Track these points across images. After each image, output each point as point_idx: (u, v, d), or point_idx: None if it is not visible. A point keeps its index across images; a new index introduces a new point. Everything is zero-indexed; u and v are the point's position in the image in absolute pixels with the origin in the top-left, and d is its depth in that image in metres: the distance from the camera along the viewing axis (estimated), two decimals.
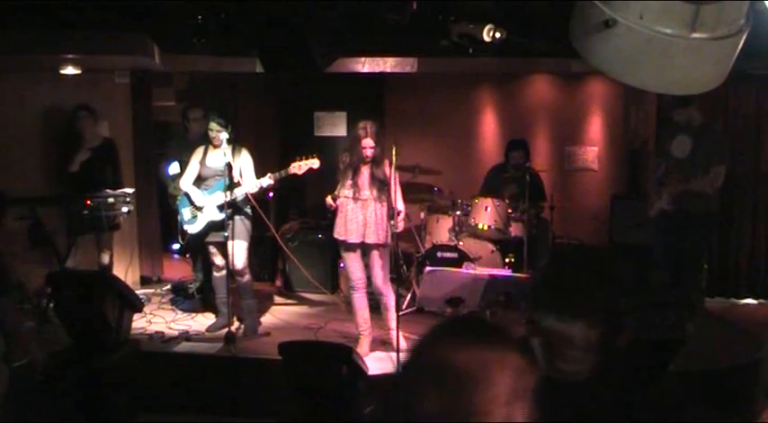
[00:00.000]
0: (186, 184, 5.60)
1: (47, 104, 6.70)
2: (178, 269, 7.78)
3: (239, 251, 5.47)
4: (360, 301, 5.29)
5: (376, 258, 5.17)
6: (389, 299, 5.19)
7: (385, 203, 5.14)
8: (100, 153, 6.29)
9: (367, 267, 5.29)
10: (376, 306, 5.43)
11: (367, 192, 5.14)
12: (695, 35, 1.81)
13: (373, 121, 5.21)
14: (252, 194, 5.35)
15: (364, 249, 5.23)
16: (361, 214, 5.13)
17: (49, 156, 6.62)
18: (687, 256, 5.69)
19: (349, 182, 5.17)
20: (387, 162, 5.16)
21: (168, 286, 7.14)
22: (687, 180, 5.47)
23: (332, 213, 5.34)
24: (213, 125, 5.39)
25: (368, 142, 5.09)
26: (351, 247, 5.23)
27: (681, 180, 5.51)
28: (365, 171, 5.15)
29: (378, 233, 5.12)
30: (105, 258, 6.31)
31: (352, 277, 5.30)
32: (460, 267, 5.83)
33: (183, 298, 6.68)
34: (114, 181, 6.27)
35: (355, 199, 5.15)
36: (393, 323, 5.03)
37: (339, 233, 5.24)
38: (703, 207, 5.53)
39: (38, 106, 6.71)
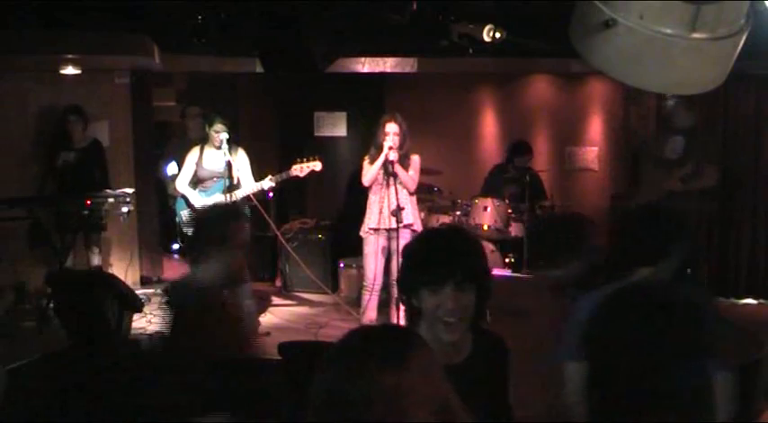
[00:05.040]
0: (182, 185, 5.57)
1: (46, 104, 6.69)
2: (178, 269, 7.77)
3: None
4: (371, 302, 5.28)
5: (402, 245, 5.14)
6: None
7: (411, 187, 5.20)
8: (87, 155, 6.29)
9: (390, 255, 5.26)
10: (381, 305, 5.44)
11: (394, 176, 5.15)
12: (695, 35, 1.81)
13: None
14: (252, 194, 5.35)
15: (392, 238, 5.19)
16: (394, 199, 5.11)
17: (39, 156, 6.60)
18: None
19: (380, 171, 5.17)
20: (413, 159, 5.19)
21: None
22: (670, 179, 5.37)
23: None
24: (219, 125, 5.36)
25: (392, 127, 5.08)
26: (377, 241, 5.21)
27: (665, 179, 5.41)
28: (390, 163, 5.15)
29: (407, 216, 5.13)
30: (95, 259, 6.31)
31: (368, 276, 5.27)
32: None
33: None
34: (102, 182, 6.26)
35: (388, 185, 5.15)
36: (398, 321, 5.04)
37: (372, 222, 5.21)
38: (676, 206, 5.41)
39: (38, 106, 6.71)
